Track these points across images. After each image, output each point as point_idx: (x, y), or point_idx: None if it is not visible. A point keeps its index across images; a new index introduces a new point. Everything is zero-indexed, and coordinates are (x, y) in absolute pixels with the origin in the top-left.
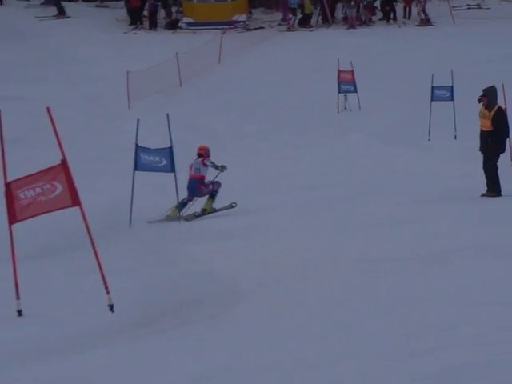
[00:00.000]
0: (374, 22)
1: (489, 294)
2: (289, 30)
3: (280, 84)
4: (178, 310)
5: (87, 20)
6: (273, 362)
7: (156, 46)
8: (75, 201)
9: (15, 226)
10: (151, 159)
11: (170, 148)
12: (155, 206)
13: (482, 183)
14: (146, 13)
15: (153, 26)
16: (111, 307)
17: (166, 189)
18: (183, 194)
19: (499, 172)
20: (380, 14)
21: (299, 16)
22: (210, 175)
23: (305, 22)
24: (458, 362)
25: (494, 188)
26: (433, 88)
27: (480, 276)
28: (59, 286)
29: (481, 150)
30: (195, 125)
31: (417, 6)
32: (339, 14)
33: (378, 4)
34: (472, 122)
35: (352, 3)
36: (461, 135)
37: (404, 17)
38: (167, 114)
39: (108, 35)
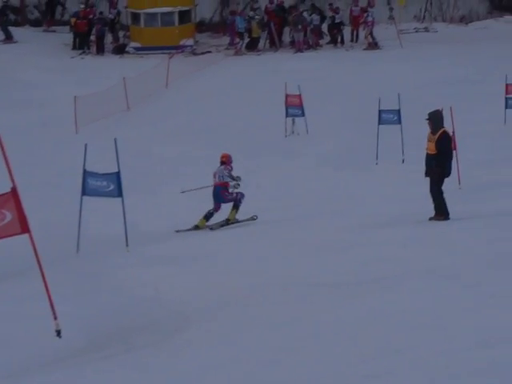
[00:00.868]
0: (321, 46)
1: (435, 318)
2: (236, 54)
3: (228, 108)
4: (124, 335)
5: (34, 45)
6: None
7: (103, 71)
8: (24, 228)
9: None
10: (99, 184)
11: (118, 173)
12: (104, 230)
13: (429, 207)
14: (93, 37)
15: (100, 50)
16: (58, 333)
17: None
18: (131, 217)
19: (447, 195)
20: (327, 38)
21: (246, 40)
22: None
23: (252, 46)
24: None
25: (441, 211)
26: (380, 112)
27: (426, 300)
28: (6, 312)
29: (426, 173)
30: (143, 150)
31: (364, 29)
32: (286, 37)
33: (325, 28)
34: (419, 145)
35: (299, 27)
36: (408, 159)
37: (351, 40)
38: (115, 139)
39: (55, 60)
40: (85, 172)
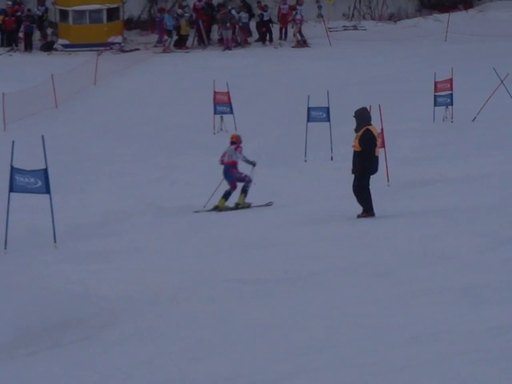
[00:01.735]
0: (249, 44)
1: (363, 315)
2: (164, 51)
3: (156, 105)
4: (52, 331)
5: None
6: None
7: (31, 68)
8: None
9: None
10: (26, 181)
11: (45, 169)
12: (32, 227)
13: (356, 204)
14: (21, 34)
15: (28, 47)
16: None
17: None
18: (59, 214)
19: (376, 193)
20: (256, 36)
21: (175, 38)
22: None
23: (180, 44)
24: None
25: (365, 208)
26: (309, 109)
27: (354, 297)
28: None
29: (352, 170)
30: (71, 146)
31: (293, 27)
32: (215, 35)
33: (253, 25)
34: (348, 143)
35: (228, 25)
36: (337, 156)
37: (280, 38)
38: (42, 136)
39: None
40: (12, 169)
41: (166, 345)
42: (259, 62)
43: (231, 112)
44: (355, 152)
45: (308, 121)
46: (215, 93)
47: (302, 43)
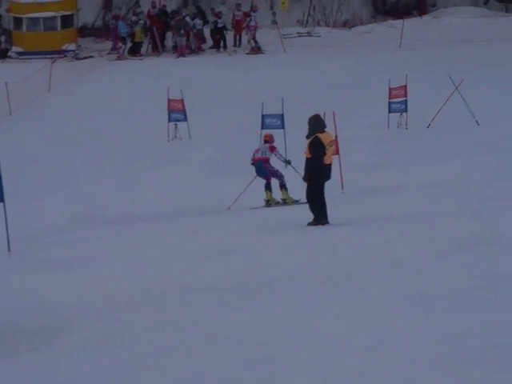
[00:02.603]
0: (204, 51)
1: (319, 322)
2: (118, 58)
3: (110, 113)
4: (6, 340)
5: None
6: None
7: None
8: None
9: None
10: None
11: None
12: None
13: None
14: None
15: None
16: None
17: None
18: (14, 222)
19: (330, 200)
20: (210, 43)
21: (129, 45)
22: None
23: (135, 51)
24: None
25: (316, 217)
26: (263, 116)
27: (310, 304)
28: None
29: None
30: (25, 154)
31: (247, 34)
32: (169, 42)
33: (207, 32)
34: (302, 150)
35: (182, 32)
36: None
37: (234, 45)
38: None
39: None
40: None
41: (123, 353)
42: (213, 69)
43: (185, 119)
44: (306, 159)
45: (262, 128)
46: (169, 100)
47: (257, 50)
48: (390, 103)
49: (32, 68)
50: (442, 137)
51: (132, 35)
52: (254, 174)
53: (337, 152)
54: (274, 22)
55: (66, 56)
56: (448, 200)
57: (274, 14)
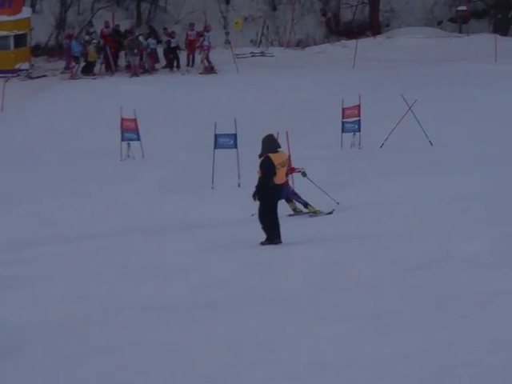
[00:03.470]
0: (157, 70)
1: (269, 342)
2: (72, 78)
3: (63, 132)
4: None
5: None
6: None
7: None
8: None
9: None
10: None
11: None
12: None
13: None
14: None
15: None
16: None
17: None
18: None
19: (284, 220)
20: (163, 62)
21: (82, 64)
22: None
23: (88, 70)
24: None
25: (268, 236)
26: (216, 136)
27: (261, 324)
28: None
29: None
30: None
31: (200, 53)
32: (122, 61)
33: (160, 52)
34: (255, 169)
35: (135, 51)
36: (244, 183)
37: (188, 64)
38: None
39: None
40: None
41: (74, 372)
42: (166, 89)
43: (138, 139)
44: (258, 178)
45: (215, 147)
46: (122, 119)
47: (210, 70)
48: (343, 123)
49: None
50: (395, 157)
51: (85, 54)
52: None
53: (291, 172)
54: (228, 42)
55: (19, 75)
56: (401, 219)
57: (227, 33)
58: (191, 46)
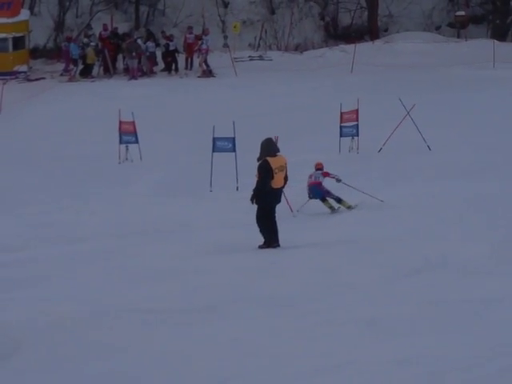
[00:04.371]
0: (155, 73)
1: (268, 346)
2: (70, 80)
3: (62, 135)
4: None
5: None
6: None
7: None
8: None
9: None
10: None
11: None
12: None
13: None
14: None
15: None
16: None
17: None
18: None
19: (282, 223)
20: (162, 65)
21: (81, 67)
22: None
23: (86, 73)
24: None
25: (266, 239)
26: (214, 139)
27: (259, 328)
28: None
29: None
30: None
31: (198, 57)
32: (121, 64)
33: (159, 55)
34: (253, 173)
35: (133, 54)
36: (242, 186)
37: (186, 68)
38: None
39: None
40: None
41: (71, 375)
42: (165, 92)
43: (137, 142)
44: (256, 182)
45: (213, 151)
46: (120, 122)
47: (208, 73)
48: (341, 127)
49: None
50: (393, 161)
51: (84, 57)
52: (307, 197)
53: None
54: (226, 46)
55: (17, 77)
56: (399, 224)
57: (225, 37)
58: (189, 50)
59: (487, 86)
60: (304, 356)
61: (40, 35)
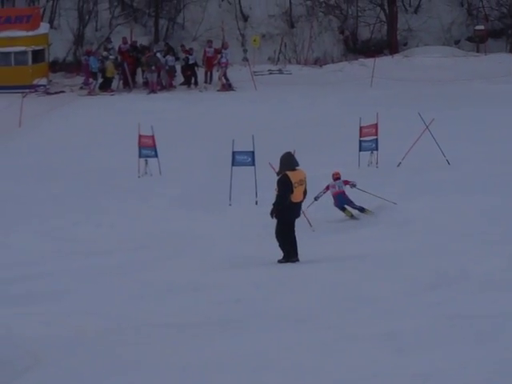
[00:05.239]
0: (175, 87)
1: (286, 360)
2: (89, 94)
3: (81, 148)
4: None
5: None
6: None
7: None
8: None
9: None
10: None
11: None
12: None
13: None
14: None
15: None
16: None
17: None
18: None
19: (300, 237)
20: (181, 79)
21: (100, 80)
22: None
23: (105, 86)
24: None
25: (284, 254)
26: (234, 153)
27: (277, 342)
28: None
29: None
30: None
31: (218, 70)
32: (140, 78)
33: (178, 69)
34: (272, 187)
35: (153, 68)
36: (262, 200)
37: (205, 81)
38: None
39: None
40: None
41: None
42: (184, 106)
43: (156, 155)
44: (276, 196)
45: (233, 165)
46: (140, 136)
47: (227, 87)
48: (360, 141)
49: (2, 103)
50: (412, 176)
51: (103, 70)
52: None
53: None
54: (245, 59)
55: (36, 91)
56: (418, 238)
57: (245, 51)
58: (209, 63)
59: (506, 100)
60: (323, 370)
61: (59, 48)
